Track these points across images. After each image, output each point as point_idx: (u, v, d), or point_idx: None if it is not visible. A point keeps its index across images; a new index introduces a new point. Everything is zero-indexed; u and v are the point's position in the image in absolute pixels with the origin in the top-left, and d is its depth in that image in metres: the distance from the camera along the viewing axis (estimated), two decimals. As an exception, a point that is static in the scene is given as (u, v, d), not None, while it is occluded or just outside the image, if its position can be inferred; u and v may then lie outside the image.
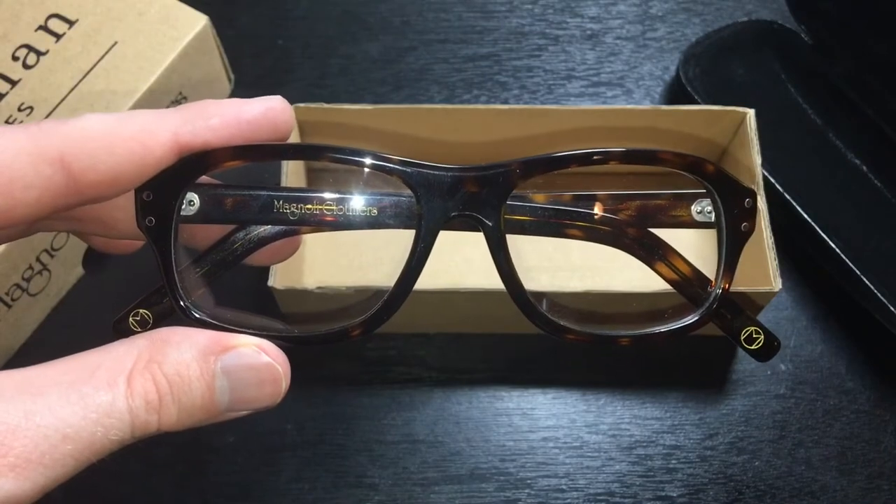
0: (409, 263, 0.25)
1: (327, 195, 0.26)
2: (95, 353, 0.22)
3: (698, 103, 0.46)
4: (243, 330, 0.24)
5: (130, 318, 0.25)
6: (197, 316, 0.25)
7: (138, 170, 0.23)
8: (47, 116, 0.41)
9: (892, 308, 0.40)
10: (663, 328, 0.27)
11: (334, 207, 0.26)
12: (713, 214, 0.27)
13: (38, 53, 0.42)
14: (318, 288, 0.37)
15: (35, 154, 0.22)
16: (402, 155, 0.47)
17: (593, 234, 0.28)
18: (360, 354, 0.43)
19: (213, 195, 0.26)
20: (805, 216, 0.42)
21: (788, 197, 0.43)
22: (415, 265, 0.25)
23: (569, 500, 0.40)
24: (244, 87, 0.50)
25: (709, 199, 0.27)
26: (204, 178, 0.26)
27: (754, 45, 0.49)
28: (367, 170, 0.25)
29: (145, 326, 0.25)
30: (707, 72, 0.48)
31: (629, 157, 0.26)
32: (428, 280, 0.36)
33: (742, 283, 0.42)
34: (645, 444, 0.41)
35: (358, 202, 0.26)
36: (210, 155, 0.24)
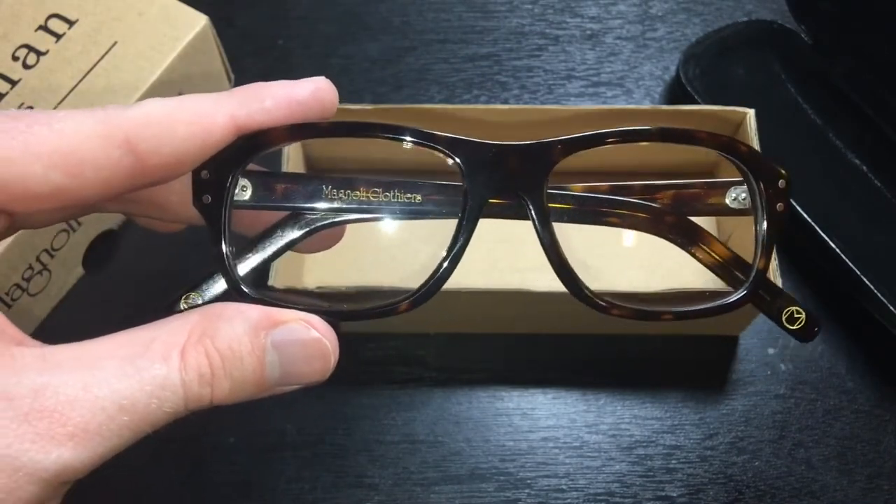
0: (455, 240, 0.26)
1: (372, 184, 0.27)
2: (150, 327, 0.23)
3: (698, 103, 0.46)
4: (293, 305, 0.25)
5: (182, 301, 0.26)
6: (248, 292, 0.25)
7: (199, 151, 0.24)
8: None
9: (892, 308, 0.40)
10: (706, 305, 0.27)
11: (380, 194, 0.27)
12: (747, 201, 0.27)
13: (38, 53, 0.42)
14: (318, 288, 0.37)
15: (104, 136, 0.23)
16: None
17: (631, 221, 0.29)
18: (360, 354, 0.43)
19: (265, 182, 0.27)
20: (805, 216, 0.42)
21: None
22: (462, 241, 0.26)
23: (569, 500, 0.40)
24: (244, 87, 0.50)
25: (742, 188, 0.28)
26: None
27: (754, 45, 0.49)
28: (408, 145, 0.26)
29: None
30: (707, 72, 0.48)
31: (665, 135, 0.26)
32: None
33: (742, 283, 0.42)
34: (645, 444, 0.41)
35: (406, 188, 0.27)
36: (266, 134, 0.25)
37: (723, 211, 0.28)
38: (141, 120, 0.23)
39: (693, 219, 0.29)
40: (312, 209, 0.28)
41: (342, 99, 0.42)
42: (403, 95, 0.50)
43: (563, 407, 0.42)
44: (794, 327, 0.28)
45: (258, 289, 0.26)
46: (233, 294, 0.25)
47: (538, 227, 0.26)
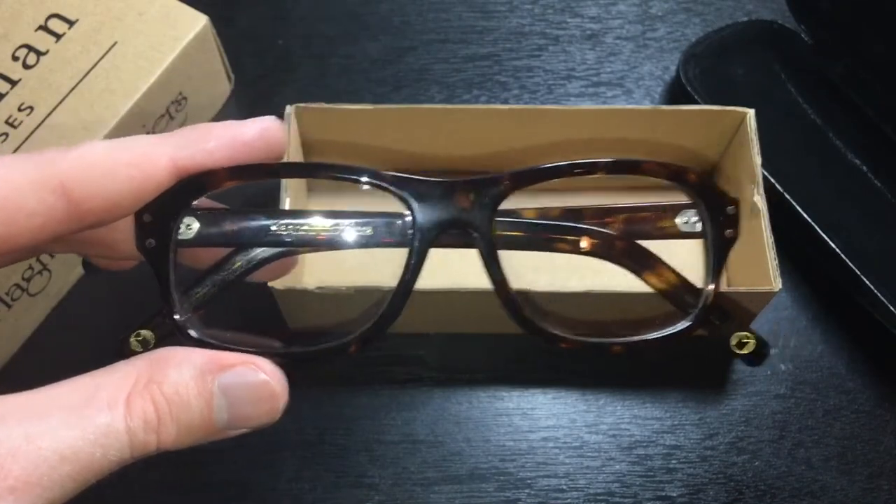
0: (403, 277, 0.26)
1: (322, 216, 0.27)
2: (96, 375, 0.23)
3: (698, 103, 0.46)
4: (241, 348, 0.25)
5: (133, 339, 0.26)
6: (195, 336, 0.25)
7: (137, 195, 0.24)
8: (47, 116, 0.41)
9: (892, 308, 0.40)
10: (654, 335, 0.28)
11: (329, 228, 0.27)
12: (698, 225, 0.27)
13: (38, 53, 0.42)
14: (319, 288, 0.37)
15: (38, 182, 0.23)
16: (402, 156, 0.47)
17: (582, 247, 0.29)
18: (361, 354, 0.43)
19: (211, 219, 0.26)
20: (805, 216, 0.42)
21: (788, 197, 0.43)
22: (408, 279, 0.26)
23: (569, 500, 0.40)
24: (244, 86, 0.50)
25: (693, 211, 0.28)
26: (206, 203, 0.27)
27: (754, 45, 0.49)
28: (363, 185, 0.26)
29: (147, 347, 0.26)
30: (707, 72, 0.48)
31: (614, 167, 0.26)
32: (428, 280, 0.36)
33: (742, 283, 0.42)
34: (645, 444, 0.41)
35: (353, 223, 0.27)
36: (207, 176, 0.25)
37: (674, 234, 0.28)
38: (77, 164, 0.23)
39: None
40: (261, 245, 0.28)
41: (342, 99, 0.42)
42: (403, 95, 0.50)
43: (563, 407, 0.42)
44: (744, 352, 0.28)
45: (208, 328, 0.26)
46: (180, 338, 0.25)
47: (486, 264, 0.26)
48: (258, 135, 0.25)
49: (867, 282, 0.41)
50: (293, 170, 0.27)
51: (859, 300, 0.42)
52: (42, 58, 0.42)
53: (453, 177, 0.26)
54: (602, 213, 0.29)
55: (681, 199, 0.28)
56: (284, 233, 0.27)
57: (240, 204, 0.30)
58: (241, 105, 0.49)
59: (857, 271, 0.41)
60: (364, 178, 0.25)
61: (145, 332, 0.26)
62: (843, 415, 0.42)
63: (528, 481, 0.40)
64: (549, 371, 0.43)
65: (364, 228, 0.27)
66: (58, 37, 0.43)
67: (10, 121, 0.40)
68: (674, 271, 0.29)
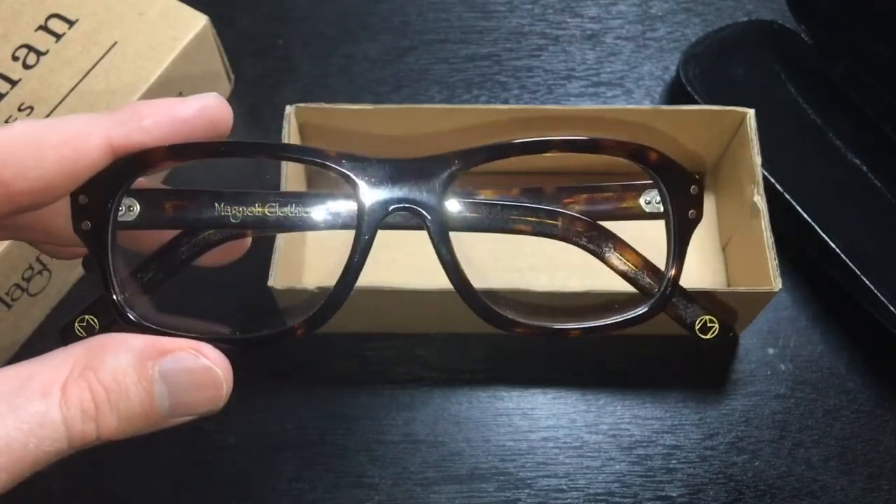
0: (350, 259, 0.25)
1: (271, 198, 0.26)
2: (31, 363, 0.22)
3: (698, 103, 0.46)
4: (183, 333, 0.24)
5: (76, 325, 0.25)
6: (134, 320, 0.24)
7: (70, 176, 0.23)
8: (47, 117, 0.41)
9: (892, 308, 0.40)
10: (613, 319, 0.27)
11: (276, 209, 0.26)
12: (662, 205, 0.27)
13: (38, 53, 0.42)
14: (318, 288, 0.37)
15: None
16: (401, 156, 0.47)
17: (541, 228, 0.28)
18: (360, 354, 0.43)
19: (153, 200, 0.25)
20: (805, 216, 0.42)
21: (788, 197, 0.43)
22: (357, 261, 0.25)
23: (569, 500, 0.40)
24: (244, 86, 0.50)
25: (656, 191, 0.27)
26: (146, 183, 0.25)
27: (754, 45, 0.49)
28: (308, 164, 0.25)
29: (91, 332, 0.25)
30: (707, 72, 0.48)
31: (570, 145, 0.25)
32: (427, 280, 0.36)
33: (742, 283, 0.42)
34: (645, 444, 0.41)
35: (303, 204, 0.26)
36: (143, 155, 0.24)
37: (637, 215, 0.27)
38: (4, 144, 0.22)
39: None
40: (206, 226, 0.27)
41: (342, 99, 0.42)
42: (403, 95, 0.50)
43: (563, 407, 0.42)
44: (708, 337, 0.28)
45: (152, 313, 0.25)
46: (121, 323, 0.24)
47: (436, 245, 0.25)
48: (197, 112, 0.24)
49: (867, 282, 0.41)
50: (233, 149, 0.25)
51: (859, 300, 0.42)
52: (42, 58, 0.42)
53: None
54: (563, 193, 0.28)
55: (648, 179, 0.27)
56: (229, 213, 0.26)
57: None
58: (241, 105, 0.49)
59: (857, 271, 0.41)
60: (308, 158, 0.25)
61: (89, 318, 0.25)
62: (843, 415, 0.42)
63: (528, 481, 0.40)
64: (550, 371, 0.43)
65: (314, 209, 0.26)
66: (58, 37, 0.43)
67: (10, 121, 0.40)
68: (637, 253, 0.28)
